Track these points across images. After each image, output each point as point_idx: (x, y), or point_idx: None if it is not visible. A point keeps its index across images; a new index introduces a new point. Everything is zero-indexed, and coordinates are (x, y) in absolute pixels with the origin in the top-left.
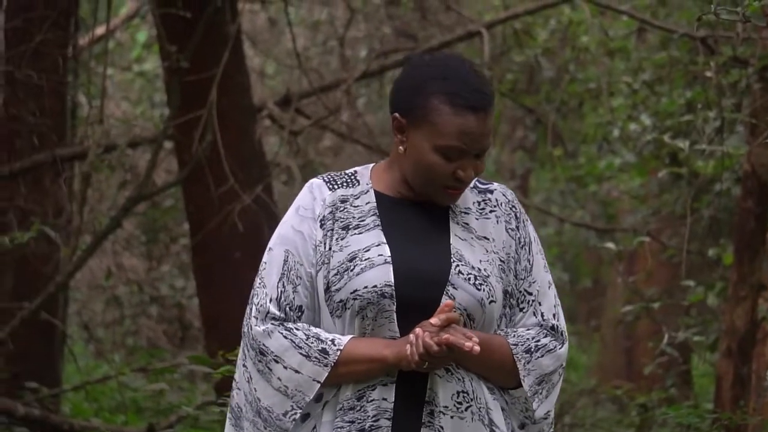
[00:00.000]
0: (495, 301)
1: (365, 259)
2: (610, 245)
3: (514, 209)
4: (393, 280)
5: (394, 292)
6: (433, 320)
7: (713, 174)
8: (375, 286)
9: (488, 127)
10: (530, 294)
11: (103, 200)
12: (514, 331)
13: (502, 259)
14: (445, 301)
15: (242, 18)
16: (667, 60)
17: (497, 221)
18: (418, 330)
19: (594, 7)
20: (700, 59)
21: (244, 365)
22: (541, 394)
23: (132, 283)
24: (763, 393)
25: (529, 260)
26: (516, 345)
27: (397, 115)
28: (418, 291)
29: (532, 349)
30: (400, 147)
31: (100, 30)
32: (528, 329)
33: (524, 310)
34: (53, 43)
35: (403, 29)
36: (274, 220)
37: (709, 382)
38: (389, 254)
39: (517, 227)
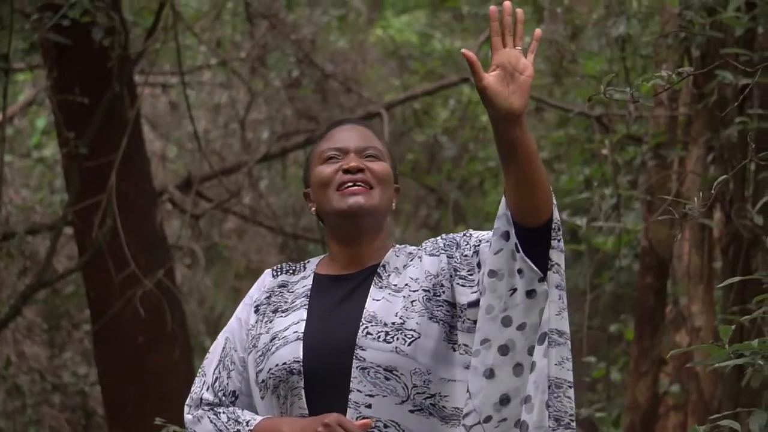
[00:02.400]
0: (417, 338)
1: (282, 338)
2: None
3: (435, 240)
4: (301, 356)
5: (302, 368)
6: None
7: (613, 250)
8: (285, 363)
9: (360, 132)
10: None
11: (3, 288)
12: None
13: (427, 288)
14: (355, 365)
15: (142, 102)
16: (564, 138)
17: (420, 260)
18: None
19: None
20: (596, 137)
21: None
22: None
23: (33, 371)
24: None
25: (468, 235)
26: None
27: (304, 193)
28: (325, 363)
29: None
30: (312, 209)
31: None
32: None
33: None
34: None
35: (304, 111)
36: (176, 304)
37: None
38: (303, 331)
39: (444, 244)
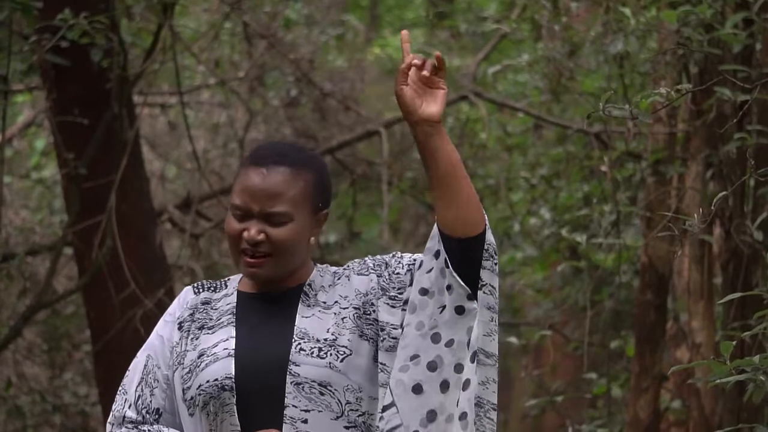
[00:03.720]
0: (349, 354)
1: (211, 355)
2: (513, 339)
3: (363, 260)
4: (233, 372)
5: (234, 384)
6: None
7: (613, 267)
8: (216, 380)
9: (274, 186)
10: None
11: (3, 309)
12: None
13: (357, 306)
14: (289, 380)
15: (141, 122)
16: (563, 155)
17: (348, 279)
18: None
19: (491, 104)
20: (595, 154)
21: None
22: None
23: (34, 392)
24: None
25: (399, 256)
26: None
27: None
28: (258, 379)
29: None
30: None
31: None
32: None
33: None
34: None
35: (302, 130)
36: None
37: None
38: (233, 347)
39: (373, 264)
